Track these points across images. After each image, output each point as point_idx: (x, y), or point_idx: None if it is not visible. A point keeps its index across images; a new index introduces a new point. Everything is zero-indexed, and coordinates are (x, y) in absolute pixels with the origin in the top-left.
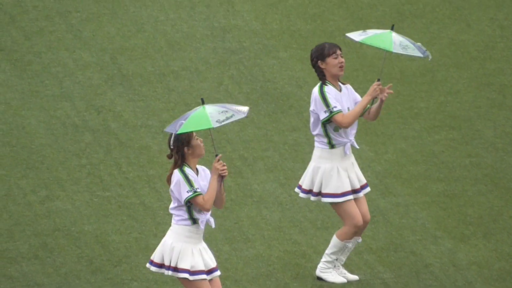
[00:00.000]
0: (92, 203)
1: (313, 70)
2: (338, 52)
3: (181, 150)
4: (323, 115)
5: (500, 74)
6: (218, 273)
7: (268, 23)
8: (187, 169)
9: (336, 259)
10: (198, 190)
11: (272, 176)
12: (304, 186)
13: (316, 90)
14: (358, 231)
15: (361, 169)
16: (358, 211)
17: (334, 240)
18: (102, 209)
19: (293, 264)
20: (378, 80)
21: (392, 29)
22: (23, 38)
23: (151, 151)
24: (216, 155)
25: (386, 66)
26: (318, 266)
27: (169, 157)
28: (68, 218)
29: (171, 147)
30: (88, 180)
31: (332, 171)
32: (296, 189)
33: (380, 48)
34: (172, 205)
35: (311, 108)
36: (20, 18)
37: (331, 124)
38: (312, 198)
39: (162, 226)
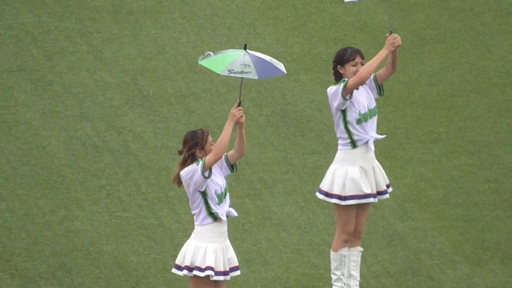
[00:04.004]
0: (111, 224)
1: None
2: (358, 59)
3: (193, 151)
4: (339, 95)
5: None
6: (238, 272)
7: (289, 46)
8: None
9: (342, 275)
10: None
11: (291, 199)
12: (324, 188)
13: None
14: (349, 239)
15: None
16: (354, 220)
17: (331, 254)
18: (121, 229)
19: (310, 287)
20: (391, 32)
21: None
22: (44, 58)
23: (171, 173)
24: (239, 101)
25: (406, 91)
26: None
27: (180, 153)
28: (87, 238)
29: (184, 144)
30: (107, 200)
31: (355, 173)
32: (317, 193)
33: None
34: (191, 205)
35: (331, 107)
36: (42, 38)
37: (352, 114)
38: (329, 199)
39: (180, 248)
